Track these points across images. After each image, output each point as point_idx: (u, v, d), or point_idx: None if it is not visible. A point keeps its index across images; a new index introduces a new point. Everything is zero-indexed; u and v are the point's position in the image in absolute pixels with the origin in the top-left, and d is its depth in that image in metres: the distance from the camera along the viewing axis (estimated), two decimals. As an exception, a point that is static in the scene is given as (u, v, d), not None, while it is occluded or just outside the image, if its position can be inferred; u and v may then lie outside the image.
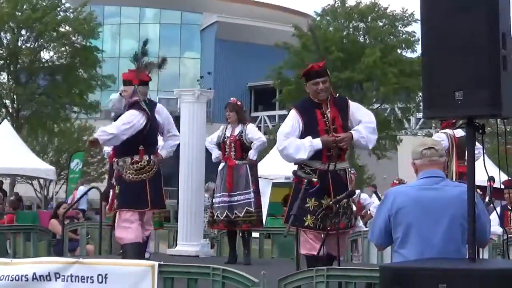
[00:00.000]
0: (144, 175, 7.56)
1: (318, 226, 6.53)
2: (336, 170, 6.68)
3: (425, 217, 4.41)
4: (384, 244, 4.67)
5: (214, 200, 9.53)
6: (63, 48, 33.75)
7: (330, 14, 35.44)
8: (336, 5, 35.37)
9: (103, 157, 41.23)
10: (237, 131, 9.36)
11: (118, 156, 7.71)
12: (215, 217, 9.35)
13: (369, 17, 35.17)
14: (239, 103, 9.55)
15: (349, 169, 7.13)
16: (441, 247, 4.37)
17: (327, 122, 6.68)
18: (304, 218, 6.54)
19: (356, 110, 6.89)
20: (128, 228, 7.50)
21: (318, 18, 36.29)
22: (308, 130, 6.64)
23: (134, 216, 7.55)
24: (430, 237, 4.38)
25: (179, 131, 8.52)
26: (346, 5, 35.20)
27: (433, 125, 36.84)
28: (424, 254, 4.36)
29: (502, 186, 11.22)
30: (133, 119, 7.50)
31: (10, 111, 32.88)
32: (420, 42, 4.52)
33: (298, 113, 6.73)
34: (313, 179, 6.60)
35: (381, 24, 35.17)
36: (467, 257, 4.23)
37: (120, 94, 7.94)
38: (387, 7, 35.31)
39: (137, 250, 7.42)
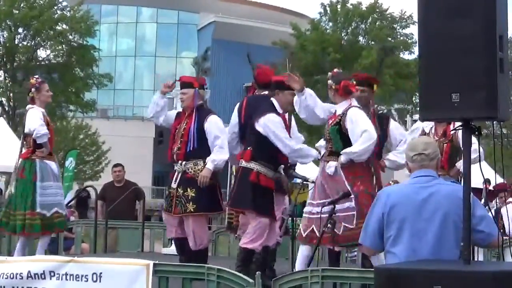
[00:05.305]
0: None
1: None
2: None
3: (417, 215, 4.40)
4: (377, 247, 4.59)
5: None
6: (59, 47, 33.75)
7: (330, 14, 35.38)
8: (337, 5, 35.31)
9: (98, 155, 41.29)
10: None
11: (189, 159, 7.41)
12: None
13: (370, 18, 35.16)
14: None
15: None
16: (433, 244, 4.35)
17: None
18: None
19: None
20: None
21: (318, 18, 36.22)
22: None
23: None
24: (423, 234, 4.37)
25: None
26: (347, 5, 35.15)
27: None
28: (417, 252, 4.35)
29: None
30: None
31: (6, 109, 32.85)
32: (417, 44, 4.51)
33: None
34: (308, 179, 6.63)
35: (379, 24, 35.16)
36: (459, 255, 4.23)
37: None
38: (387, 9, 35.33)
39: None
